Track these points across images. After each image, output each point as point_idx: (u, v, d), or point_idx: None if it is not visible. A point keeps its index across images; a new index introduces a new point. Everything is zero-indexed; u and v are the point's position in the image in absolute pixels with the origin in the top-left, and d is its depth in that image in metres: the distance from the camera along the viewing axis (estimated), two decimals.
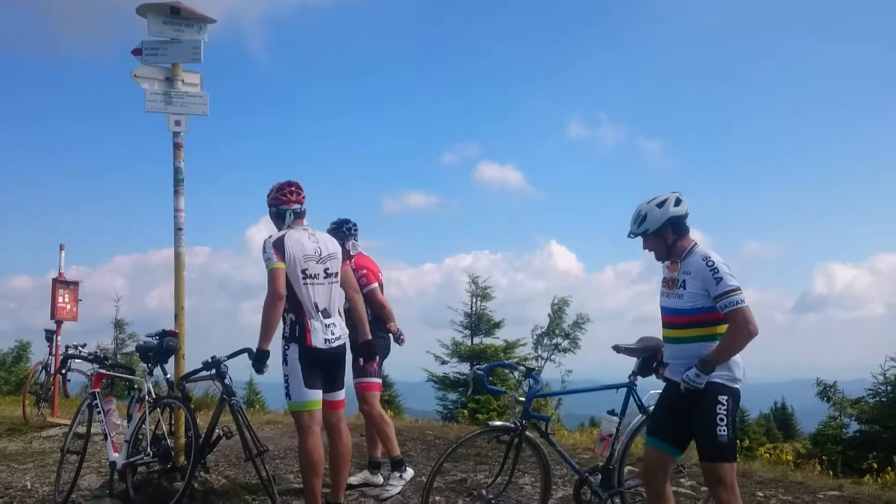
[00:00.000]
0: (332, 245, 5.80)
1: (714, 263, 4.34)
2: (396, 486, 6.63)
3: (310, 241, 5.64)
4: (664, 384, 4.83)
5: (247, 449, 6.10)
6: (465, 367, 20.15)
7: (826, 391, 13.42)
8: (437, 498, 6.34)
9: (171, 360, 6.56)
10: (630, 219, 4.72)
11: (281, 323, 5.59)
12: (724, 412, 4.24)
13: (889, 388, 12.89)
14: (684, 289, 4.48)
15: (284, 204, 5.72)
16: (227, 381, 6.22)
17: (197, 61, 6.68)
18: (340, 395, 5.77)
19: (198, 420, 6.28)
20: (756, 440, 20.28)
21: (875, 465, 9.83)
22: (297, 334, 5.51)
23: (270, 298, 5.39)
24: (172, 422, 6.52)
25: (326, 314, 5.58)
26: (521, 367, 5.53)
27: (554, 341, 25.82)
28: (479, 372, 5.37)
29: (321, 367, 5.60)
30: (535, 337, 25.46)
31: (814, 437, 14.01)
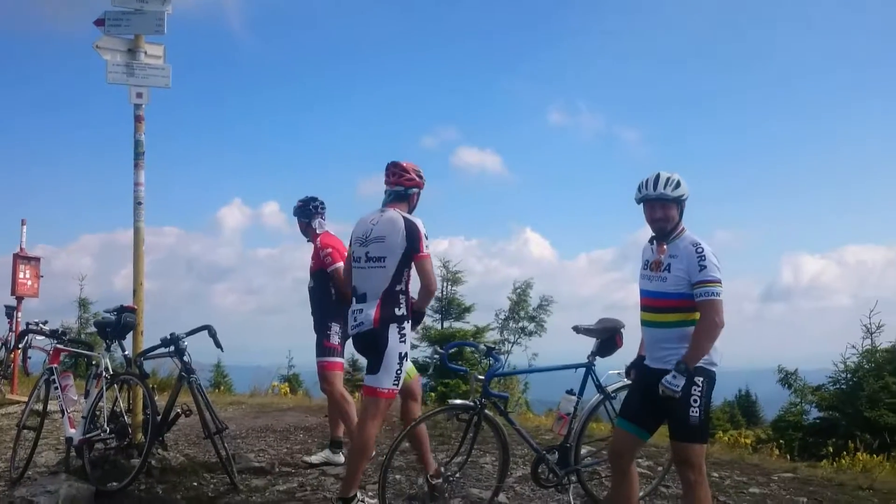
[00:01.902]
0: (385, 228, 5.36)
1: (703, 250, 4.30)
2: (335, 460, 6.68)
3: (369, 223, 5.47)
4: (637, 368, 4.79)
5: (206, 427, 6.09)
6: (437, 349, 20.22)
7: (787, 378, 13.58)
8: (397, 476, 6.35)
9: (130, 336, 6.50)
10: (648, 182, 4.45)
11: None
12: (699, 394, 4.23)
13: (849, 376, 13.08)
14: (669, 272, 4.41)
15: (386, 184, 5.63)
16: (185, 358, 6.19)
17: (160, 33, 6.58)
18: (368, 380, 5.32)
19: (157, 398, 6.26)
20: (720, 426, 20.52)
21: (832, 451, 9.99)
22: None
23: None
24: (130, 398, 6.46)
25: (362, 299, 5.37)
26: (482, 347, 5.53)
27: (520, 324, 25.91)
28: (440, 352, 5.37)
29: (361, 352, 5.54)
30: (499, 321, 25.52)
31: (774, 423, 14.19)
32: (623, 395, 5.36)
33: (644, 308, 4.61)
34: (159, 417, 6.11)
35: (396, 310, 5.26)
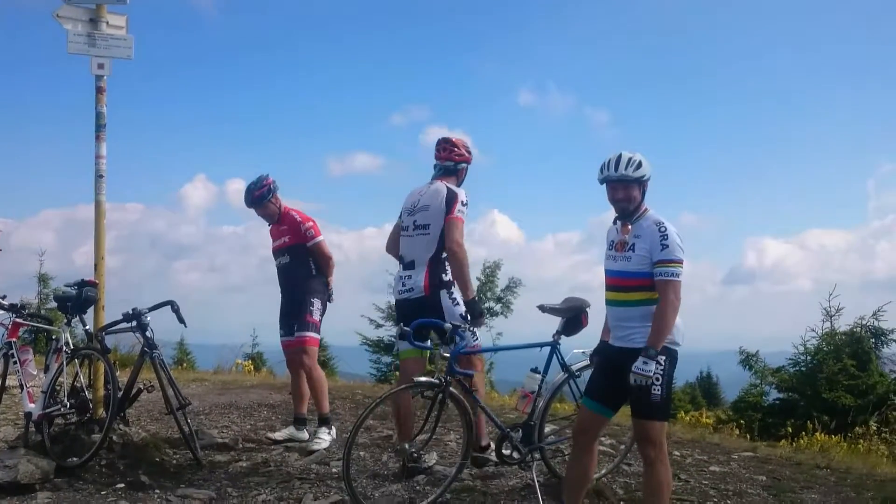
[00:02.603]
0: (430, 198, 5.75)
1: (666, 230, 4.31)
2: (325, 440, 6.64)
3: (417, 194, 5.87)
4: (602, 347, 4.79)
5: (168, 402, 6.04)
6: (403, 326, 20.16)
7: (748, 360, 13.76)
8: (361, 453, 6.36)
9: (91, 311, 6.40)
10: (610, 163, 4.43)
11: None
12: (661, 372, 4.24)
13: (808, 358, 13.31)
14: (633, 252, 4.42)
15: (437, 159, 5.99)
16: (148, 333, 6.13)
17: (122, 2, 6.43)
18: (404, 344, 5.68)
19: (118, 373, 6.19)
20: (681, 407, 20.79)
21: (791, 431, 10.17)
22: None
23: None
24: (91, 373, 6.37)
25: (410, 266, 5.79)
26: (448, 325, 5.53)
27: (486, 305, 25.96)
28: (405, 329, 5.37)
29: (402, 318, 5.75)
30: None
31: (735, 403, 14.39)
32: (588, 373, 5.40)
33: (609, 288, 4.61)
34: (121, 393, 6.05)
35: (444, 276, 5.71)
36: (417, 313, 5.51)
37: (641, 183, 4.47)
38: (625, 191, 4.45)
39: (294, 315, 6.81)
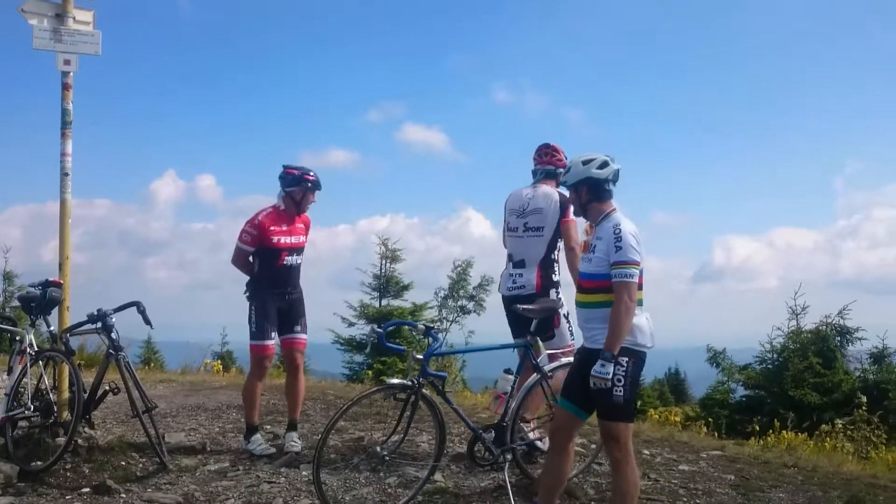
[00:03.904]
0: (542, 201, 6.10)
1: (621, 231, 4.34)
2: (298, 444, 6.58)
3: (524, 196, 6.17)
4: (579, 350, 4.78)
5: (134, 405, 5.95)
6: (375, 327, 20.04)
7: (715, 357, 13.90)
8: (332, 456, 6.30)
9: (56, 311, 6.30)
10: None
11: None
12: (623, 373, 4.27)
13: (775, 355, 13.47)
14: (594, 253, 4.49)
15: (539, 164, 6.35)
16: (113, 334, 6.03)
17: None
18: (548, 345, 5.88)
19: (84, 375, 6.09)
20: (650, 403, 20.97)
21: (758, 428, 10.27)
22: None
23: None
24: (56, 375, 6.26)
25: (520, 264, 6.10)
26: (421, 326, 5.51)
27: (458, 303, 25.90)
28: (378, 330, 5.34)
29: (508, 312, 6.07)
30: (438, 299, 25.48)
31: (702, 401, 14.54)
32: (560, 374, 5.42)
33: (576, 289, 4.72)
34: (86, 395, 5.96)
35: (553, 276, 6.09)
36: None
37: (575, 186, 4.62)
38: (574, 193, 4.70)
39: (301, 314, 6.75)
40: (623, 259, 4.29)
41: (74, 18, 6.31)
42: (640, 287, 4.44)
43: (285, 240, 6.56)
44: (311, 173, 6.63)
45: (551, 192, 6.13)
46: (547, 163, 6.32)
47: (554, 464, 4.72)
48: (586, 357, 4.46)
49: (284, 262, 6.59)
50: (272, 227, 6.49)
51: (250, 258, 6.59)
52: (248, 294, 6.61)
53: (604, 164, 4.55)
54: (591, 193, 4.58)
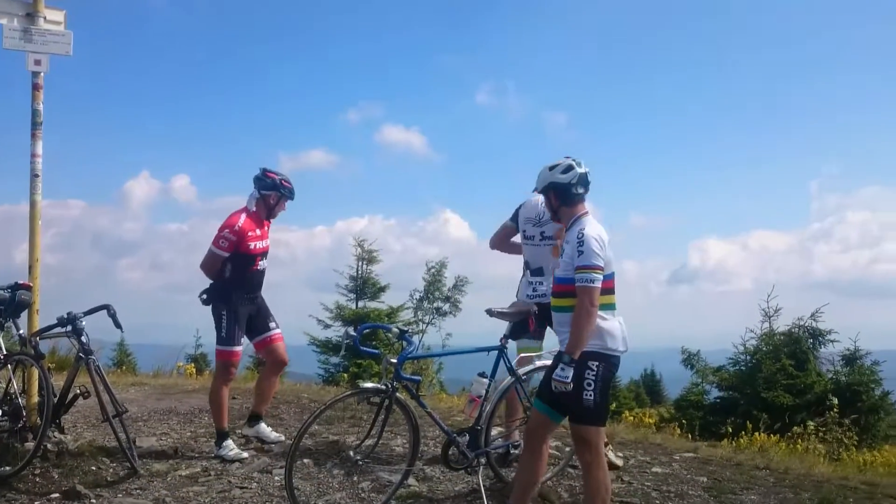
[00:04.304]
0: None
1: (584, 236, 4.36)
2: (272, 434, 6.60)
3: (539, 206, 5.98)
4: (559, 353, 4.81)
5: (104, 410, 5.89)
6: (349, 330, 20.00)
7: (690, 359, 14.00)
8: (305, 460, 6.26)
9: (25, 315, 6.22)
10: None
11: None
12: (593, 377, 4.29)
13: (748, 357, 13.59)
14: (562, 258, 4.54)
15: None
16: (83, 338, 5.97)
17: None
18: (538, 343, 6.04)
19: (55, 378, 6.02)
20: (626, 405, 21.08)
21: (731, 430, 10.34)
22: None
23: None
24: (25, 379, 6.18)
25: (538, 272, 6.10)
26: (395, 329, 5.49)
27: (434, 305, 25.88)
28: (352, 334, 5.33)
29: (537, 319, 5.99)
30: (414, 301, 25.44)
31: (677, 402, 14.63)
32: (537, 376, 5.43)
33: (552, 293, 4.77)
34: (56, 399, 5.89)
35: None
36: (548, 316, 5.68)
37: (544, 191, 4.72)
38: (546, 199, 4.79)
39: (269, 311, 6.79)
40: (585, 264, 4.31)
41: (45, 18, 6.23)
42: (611, 291, 4.47)
43: (259, 245, 6.53)
44: (289, 181, 6.61)
45: None
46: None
47: (527, 465, 4.73)
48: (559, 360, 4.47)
49: (258, 267, 6.57)
50: (249, 233, 6.43)
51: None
52: (212, 298, 6.48)
53: (567, 169, 4.59)
54: (560, 198, 4.63)
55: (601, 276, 4.34)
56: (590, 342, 4.35)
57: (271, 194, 6.59)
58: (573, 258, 4.38)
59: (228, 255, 6.38)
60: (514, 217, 6.27)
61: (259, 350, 6.94)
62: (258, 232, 6.52)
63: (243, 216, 6.48)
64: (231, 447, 6.40)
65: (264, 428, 6.85)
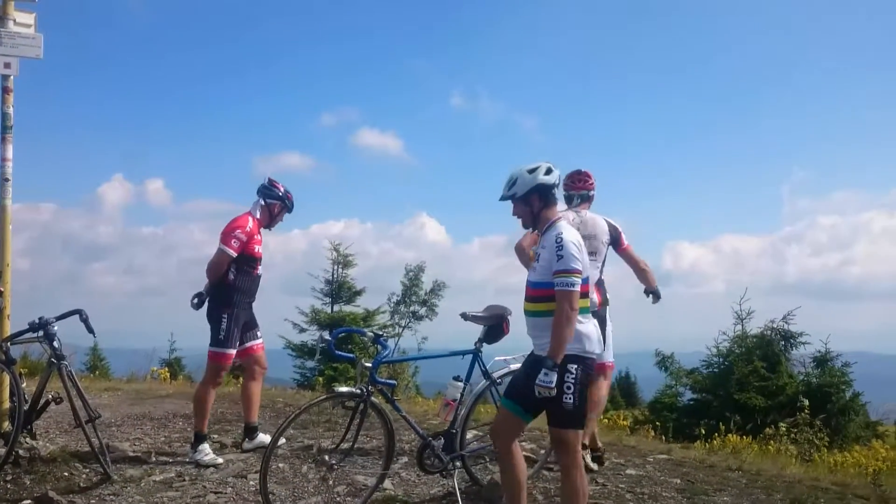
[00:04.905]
0: (592, 227, 6.48)
1: (562, 240, 4.37)
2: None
3: (572, 220, 6.27)
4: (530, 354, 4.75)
5: (76, 415, 5.83)
6: (324, 335, 19.96)
7: (664, 361, 14.14)
8: (281, 465, 6.25)
9: None
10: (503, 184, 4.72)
11: None
12: (572, 381, 4.29)
13: (721, 359, 13.75)
14: (538, 262, 4.52)
15: (574, 190, 6.67)
16: (55, 343, 5.90)
17: (31, 0, 6.20)
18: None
19: (26, 383, 5.95)
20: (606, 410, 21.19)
21: (703, 432, 10.44)
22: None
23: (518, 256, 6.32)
24: None
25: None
26: (370, 333, 5.49)
27: (411, 309, 25.90)
28: (327, 339, 5.32)
29: None
30: (391, 305, 25.47)
31: (651, 404, 14.77)
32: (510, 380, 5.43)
33: (524, 298, 4.70)
34: (27, 405, 5.83)
35: (606, 294, 6.49)
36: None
37: (526, 196, 4.59)
38: (513, 208, 4.69)
39: (256, 322, 6.87)
40: (564, 268, 4.31)
41: (15, 21, 6.18)
42: (585, 295, 4.48)
43: (260, 250, 6.65)
44: (292, 195, 6.83)
45: (598, 219, 6.56)
46: (581, 188, 6.66)
47: (508, 467, 4.62)
48: (534, 364, 4.45)
49: (258, 272, 6.68)
50: (255, 236, 6.55)
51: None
52: (213, 301, 6.50)
53: (549, 171, 4.59)
54: (542, 201, 4.60)
55: (580, 280, 4.35)
56: (569, 345, 4.34)
57: (276, 204, 6.76)
58: (551, 263, 4.37)
59: (236, 256, 6.43)
60: None
61: (242, 357, 6.93)
62: (259, 237, 6.63)
63: (251, 219, 6.57)
64: (207, 451, 6.36)
65: (264, 437, 6.79)
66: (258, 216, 6.66)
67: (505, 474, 4.69)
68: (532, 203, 4.61)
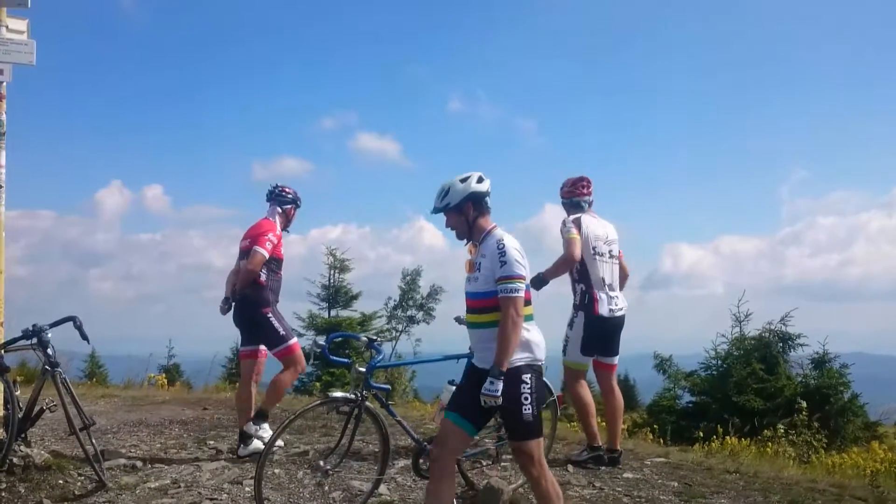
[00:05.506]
0: (615, 232, 6.87)
1: (504, 247, 4.31)
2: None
3: (602, 225, 6.78)
4: (469, 365, 4.70)
5: (70, 423, 5.82)
6: (318, 340, 19.95)
7: (662, 364, 14.09)
8: (277, 471, 6.23)
9: None
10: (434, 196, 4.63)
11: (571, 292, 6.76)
12: (528, 391, 4.23)
13: (719, 362, 13.70)
14: (479, 272, 4.42)
15: (578, 196, 6.85)
16: (49, 350, 5.88)
17: (24, 6, 6.17)
18: (616, 359, 6.97)
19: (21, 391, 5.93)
20: (600, 411, 21.17)
21: (702, 434, 10.40)
22: (587, 302, 6.60)
23: (565, 261, 6.52)
24: None
25: (612, 288, 6.70)
26: (363, 338, 5.48)
27: (408, 313, 25.89)
28: (321, 343, 5.31)
29: (604, 334, 6.72)
30: (388, 310, 25.46)
31: (649, 407, 14.72)
32: None
33: (466, 310, 4.62)
34: (22, 413, 5.80)
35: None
36: (620, 330, 6.81)
37: (460, 206, 4.51)
38: (447, 220, 4.60)
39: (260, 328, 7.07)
40: (508, 274, 4.25)
41: (7, 27, 6.15)
42: (529, 302, 4.42)
43: (282, 252, 6.97)
44: (298, 193, 7.19)
45: (611, 226, 6.91)
46: (587, 193, 6.90)
47: (437, 486, 4.38)
48: (477, 377, 4.35)
49: (281, 274, 7.03)
50: (281, 239, 6.91)
51: None
52: (250, 304, 6.79)
53: (481, 179, 4.54)
54: (477, 209, 4.53)
55: (524, 286, 4.30)
56: (520, 355, 4.28)
57: (290, 207, 7.13)
58: (494, 270, 4.30)
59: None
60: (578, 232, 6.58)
61: (242, 359, 7.18)
62: (282, 240, 6.97)
63: (275, 222, 6.94)
64: (267, 429, 6.71)
65: (259, 443, 6.78)
66: (276, 221, 6.96)
67: (433, 490, 4.39)
68: (466, 212, 4.53)
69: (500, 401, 4.14)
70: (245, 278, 6.70)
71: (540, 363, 4.40)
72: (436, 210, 4.61)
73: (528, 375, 4.27)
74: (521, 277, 4.28)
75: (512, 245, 4.34)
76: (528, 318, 4.39)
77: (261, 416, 6.75)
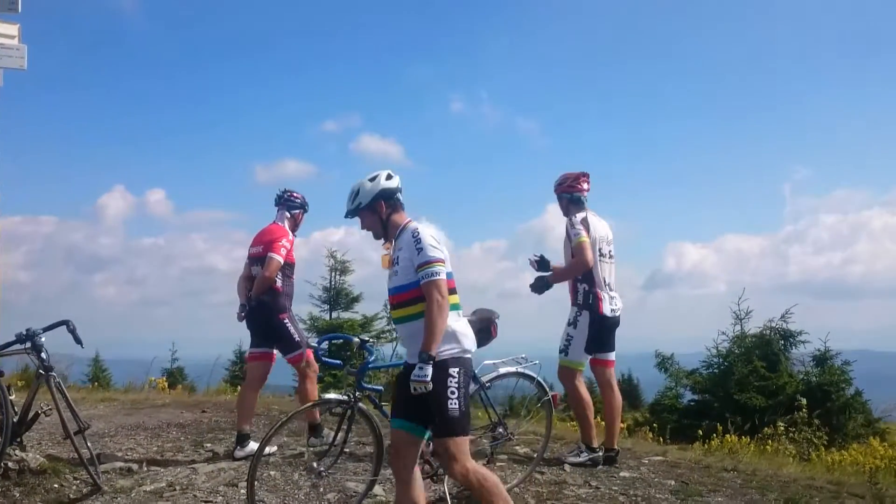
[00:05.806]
0: (611, 231, 6.81)
1: (419, 234, 4.27)
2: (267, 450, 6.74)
3: (604, 226, 6.70)
4: (404, 366, 4.58)
5: (65, 427, 5.82)
6: (310, 341, 19.91)
7: (664, 363, 14.08)
8: (272, 472, 6.22)
9: None
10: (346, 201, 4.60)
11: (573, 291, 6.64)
12: (455, 385, 4.14)
13: (721, 360, 13.69)
14: (398, 265, 4.38)
15: (579, 192, 6.75)
16: (43, 354, 5.88)
17: (14, 11, 6.17)
18: (613, 355, 6.82)
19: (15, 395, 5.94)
20: (601, 410, 21.15)
21: (701, 433, 10.38)
22: (591, 302, 6.52)
23: (579, 266, 6.42)
24: None
25: (611, 288, 6.67)
26: (356, 339, 5.47)
27: None
28: (312, 345, 5.32)
29: (606, 332, 6.63)
30: (388, 311, 25.38)
31: (651, 406, 14.72)
32: (504, 382, 5.42)
33: (391, 307, 4.58)
34: (16, 417, 5.81)
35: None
36: (616, 328, 6.77)
37: (372, 204, 4.48)
38: (362, 221, 4.58)
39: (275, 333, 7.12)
40: (426, 259, 4.20)
41: None
42: (455, 291, 4.36)
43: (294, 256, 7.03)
44: (305, 197, 7.25)
45: (607, 223, 6.84)
46: (586, 189, 6.81)
47: (404, 496, 4.34)
48: (409, 372, 4.22)
49: (294, 278, 7.09)
50: (293, 245, 6.97)
51: None
52: (267, 309, 6.81)
53: (390, 176, 4.52)
54: (390, 206, 4.50)
55: (444, 269, 4.24)
56: (445, 347, 4.18)
57: (299, 212, 7.19)
58: (412, 259, 4.26)
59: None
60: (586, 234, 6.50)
61: (251, 361, 7.23)
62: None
63: (287, 229, 7.00)
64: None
65: (255, 445, 6.77)
66: (286, 226, 7.02)
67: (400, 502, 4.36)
68: (379, 210, 4.50)
69: (430, 386, 4.02)
70: (262, 285, 6.74)
71: (469, 356, 4.32)
72: (349, 213, 4.58)
73: (456, 369, 4.18)
74: (441, 261, 4.22)
75: (427, 232, 4.30)
76: (455, 307, 4.32)
77: (316, 430, 6.97)
